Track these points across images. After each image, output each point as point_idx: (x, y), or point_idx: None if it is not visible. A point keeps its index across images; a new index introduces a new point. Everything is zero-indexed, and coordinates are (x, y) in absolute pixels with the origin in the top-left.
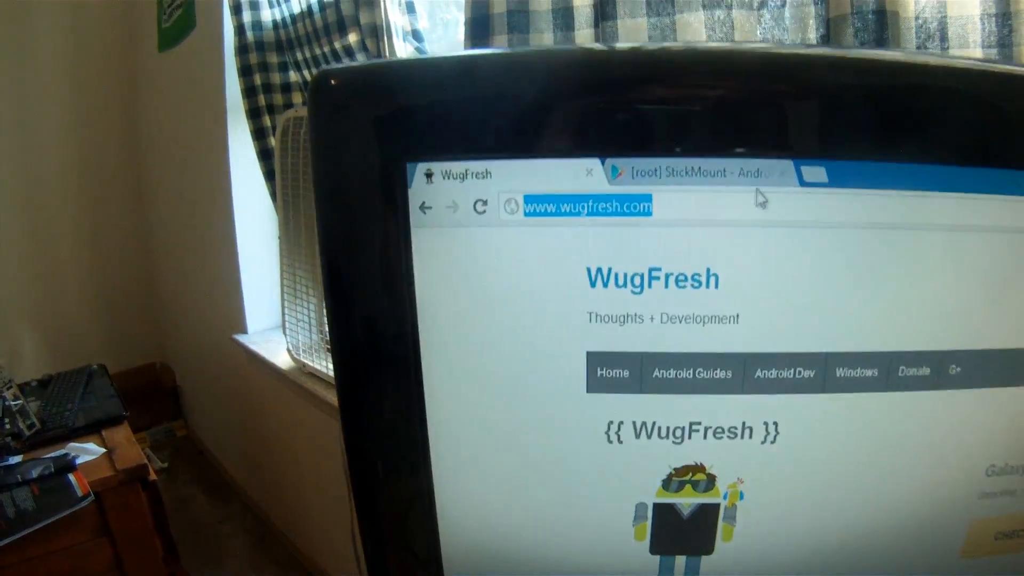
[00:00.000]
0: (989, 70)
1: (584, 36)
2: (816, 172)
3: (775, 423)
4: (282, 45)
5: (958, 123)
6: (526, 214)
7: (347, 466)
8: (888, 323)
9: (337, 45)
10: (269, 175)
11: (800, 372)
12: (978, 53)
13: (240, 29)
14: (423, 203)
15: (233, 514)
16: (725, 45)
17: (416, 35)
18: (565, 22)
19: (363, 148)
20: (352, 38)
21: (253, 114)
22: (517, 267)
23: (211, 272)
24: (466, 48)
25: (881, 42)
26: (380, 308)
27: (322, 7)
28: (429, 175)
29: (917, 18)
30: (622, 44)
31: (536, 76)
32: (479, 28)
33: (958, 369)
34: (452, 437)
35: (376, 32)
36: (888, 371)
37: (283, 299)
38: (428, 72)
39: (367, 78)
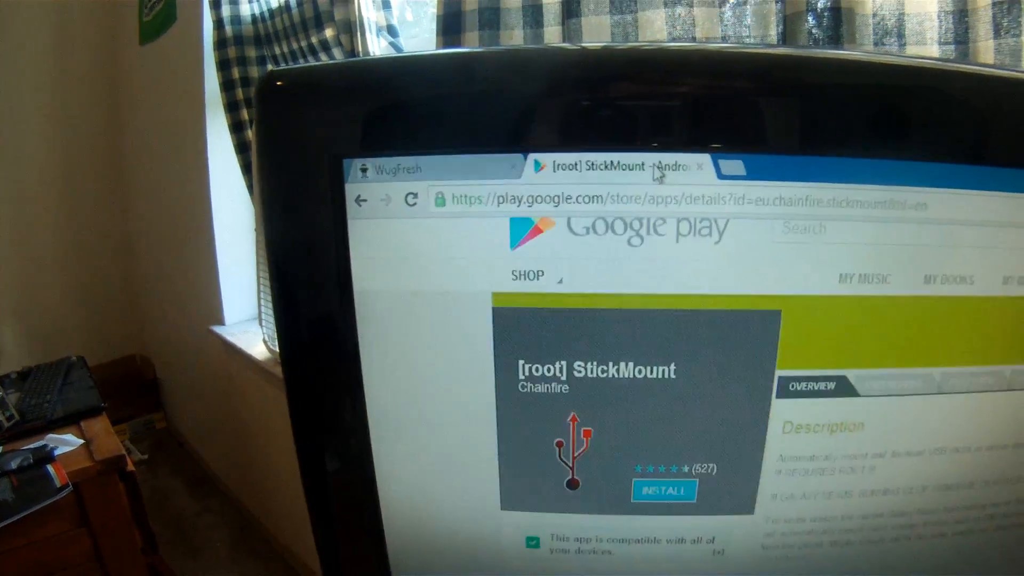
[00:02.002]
0: (891, 64)
1: (552, 33)
2: (734, 165)
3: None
4: (260, 39)
5: (870, 118)
6: (453, 206)
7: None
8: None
9: (314, 40)
10: (247, 168)
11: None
12: (935, 50)
13: (219, 23)
14: (359, 196)
15: (213, 506)
16: (641, 44)
17: (391, 31)
18: (534, 19)
19: (304, 144)
20: (328, 33)
21: (231, 108)
22: (444, 255)
23: (190, 264)
24: (437, 45)
25: (837, 39)
26: (320, 297)
27: (299, 2)
28: (364, 170)
29: (875, 15)
30: (540, 45)
31: (458, 78)
32: (451, 24)
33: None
34: (389, 420)
35: (350, 28)
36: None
37: (259, 290)
38: (363, 75)
39: (309, 79)
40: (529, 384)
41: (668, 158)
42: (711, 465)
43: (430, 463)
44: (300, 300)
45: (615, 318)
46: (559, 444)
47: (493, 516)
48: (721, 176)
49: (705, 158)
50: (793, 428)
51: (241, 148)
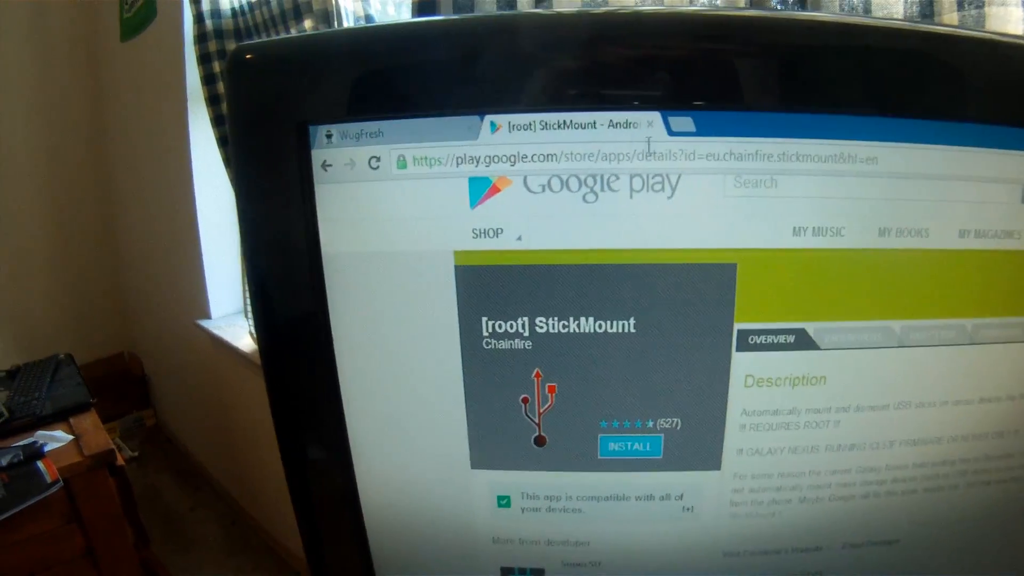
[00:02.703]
0: (836, 22)
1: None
2: (684, 122)
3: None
4: (240, 33)
5: (817, 74)
6: (414, 167)
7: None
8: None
9: (293, 31)
10: (229, 161)
11: None
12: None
13: (199, 17)
14: (324, 161)
15: (204, 501)
16: (589, 9)
17: (369, 21)
18: (509, 7)
19: (272, 113)
20: (307, 24)
21: (212, 101)
22: (407, 215)
23: (175, 259)
24: None
25: None
26: (290, 260)
27: None
28: (329, 136)
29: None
30: (491, 12)
31: (415, 45)
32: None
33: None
34: (360, 383)
35: (328, 18)
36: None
37: (244, 283)
38: (326, 45)
39: (275, 51)
40: (493, 341)
41: (619, 116)
42: (675, 420)
43: (401, 426)
44: (271, 265)
45: (574, 274)
46: (524, 400)
47: (464, 476)
48: (671, 133)
49: (655, 116)
50: (755, 382)
51: (223, 141)
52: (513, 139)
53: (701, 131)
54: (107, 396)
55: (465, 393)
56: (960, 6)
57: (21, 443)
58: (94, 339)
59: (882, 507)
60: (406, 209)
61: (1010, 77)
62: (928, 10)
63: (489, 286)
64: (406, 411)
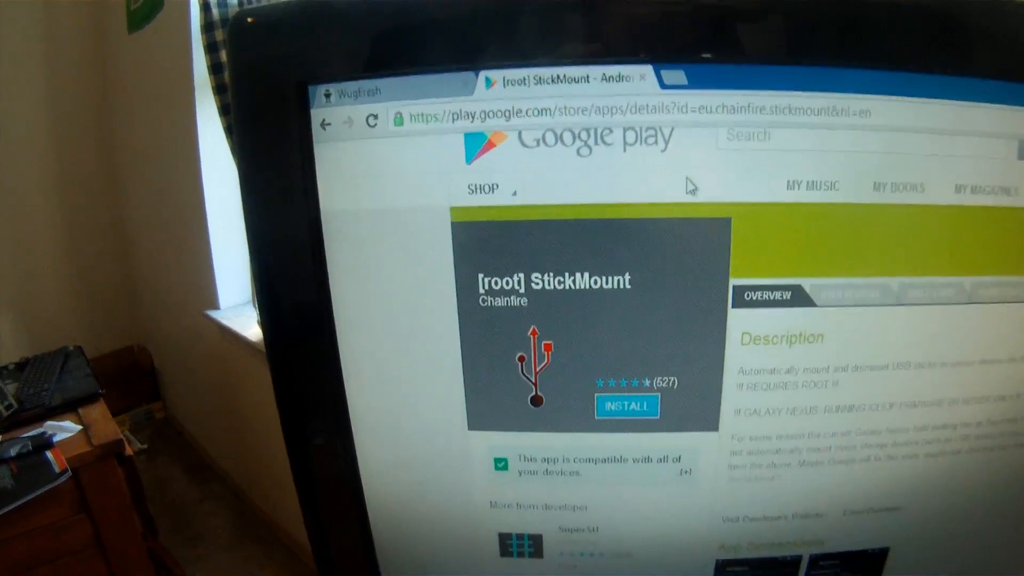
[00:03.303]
0: None
1: None
2: (676, 75)
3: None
4: None
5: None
6: (411, 124)
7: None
8: None
9: None
10: (231, 129)
11: None
12: None
13: (206, 6)
14: (323, 120)
15: (213, 493)
16: None
17: None
18: None
19: (272, 75)
20: None
21: (220, 90)
22: (404, 171)
23: (183, 250)
24: None
25: None
26: (290, 219)
27: None
28: (328, 95)
29: None
30: None
31: (409, 4)
32: None
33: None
34: (359, 344)
35: None
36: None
37: (252, 272)
38: (324, 7)
39: (275, 15)
40: (489, 298)
41: (611, 70)
42: (672, 379)
43: (400, 389)
44: (271, 225)
45: (568, 229)
46: (521, 359)
47: (462, 438)
48: (664, 86)
49: (647, 69)
50: (752, 339)
51: (231, 130)
52: (508, 94)
53: (693, 84)
54: (116, 389)
55: (462, 352)
56: None
57: (30, 434)
58: (103, 333)
59: (883, 472)
60: (403, 165)
61: (1007, 32)
62: None
63: (485, 242)
64: (404, 373)
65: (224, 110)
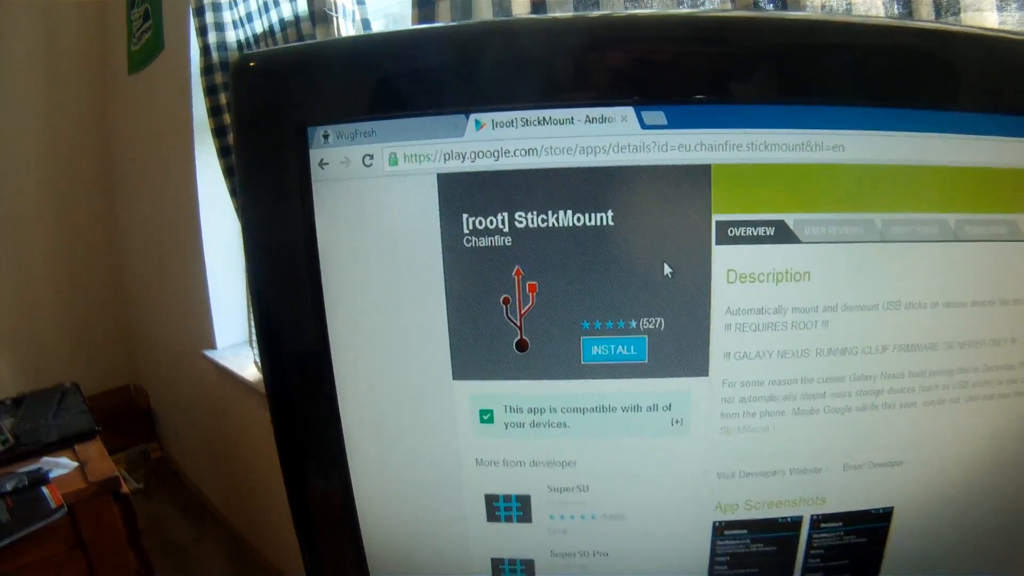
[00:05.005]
0: (798, 19)
1: None
2: (656, 116)
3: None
4: None
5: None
6: (405, 164)
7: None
8: None
9: None
10: (235, 192)
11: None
12: None
13: (205, 50)
14: (321, 160)
15: (208, 532)
16: (563, 14)
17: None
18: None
19: (273, 116)
20: None
21: (219, 132)
22: (400, 210)
23: (181, 290)
24: (412, 15)
25: None
26: (288, 256)
27: (283, 27)
28: (326, 136)
29: (824, 5)
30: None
31: (404, 51)
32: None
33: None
34: (344, 300)
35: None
36: None
37: (250, 313)
38: (323, 52)
39: (276, 58)
40: (473, 238)
41: (595, 111)
42: (659, 320)
43: (385, 343)
44: (271, 262)
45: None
46: (506, 301)
47: (446, 388)
48: (644, 126)
49: (628, 111)
50: (737, 277)
51: (229, 172)
52: (497, 135)
53: (672, 124)
54: (113, 429)
55: (446, 295)
56: (938, 14)
57: (26, 469)
58: (100, 371)
59: (881, 422)
60: (398, 203)
61: (971, 64)
62: (907, 18)
63: (470, 187)
64: (389, 325)
65: (223, 152)
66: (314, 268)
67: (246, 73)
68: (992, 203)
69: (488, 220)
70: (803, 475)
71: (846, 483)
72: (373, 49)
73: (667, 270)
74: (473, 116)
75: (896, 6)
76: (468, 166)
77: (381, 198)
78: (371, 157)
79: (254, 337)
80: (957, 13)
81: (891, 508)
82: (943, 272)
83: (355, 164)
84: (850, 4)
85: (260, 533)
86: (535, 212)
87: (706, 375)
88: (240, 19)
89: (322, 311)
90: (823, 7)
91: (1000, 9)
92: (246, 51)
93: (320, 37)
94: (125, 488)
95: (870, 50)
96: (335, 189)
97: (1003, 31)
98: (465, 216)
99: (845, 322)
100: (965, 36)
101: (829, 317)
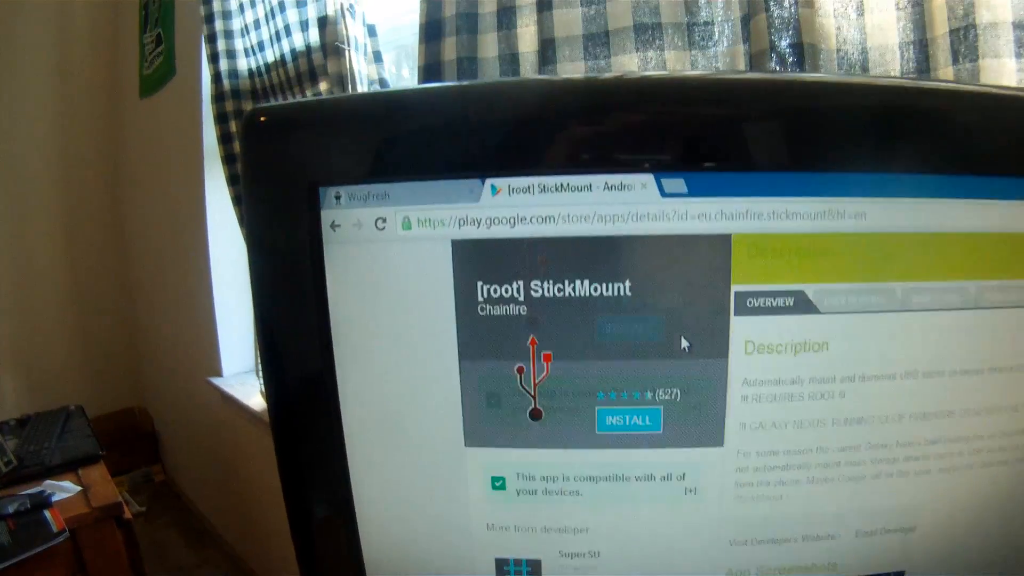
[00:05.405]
0: (816, 82)
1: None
2: (676, 184)
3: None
4: (257, 93)
5: (803, 135)
6: (419, 229)
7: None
8: None
9: (309, 93)
10: (243, 220)
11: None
12: None
13: (216, 77)
14: (333, 221)
15: (210, 558)
16: (579, 77)
17: (383, 83)
18: (512, 71)
19: (284, 174)
20: (323, 86)
21: (228, 160)
22: (413, 276)
23: (188, 316)
24: (420, 53)
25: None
26: (298, 316)
27: (294, 56)
28: (338, 197)
29: (839, 50)
30: (490, 80)
31: (419, 112)
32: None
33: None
34: (356, 359)
35: (343, 81)
36: None
37: (256, 341)
38: (337, 110)
39: (289, 115)
40: (488, 306)
41: (614, 179)
42: (674, 391)
43: (396, 408)
44: (279, 319)
45: (569, 242)
46: (520, 370)
47: (458, 455)
48: (664, 194)
49: (648, 178)
50: (755, 348)
51: (238, 200)
52: (513, 202)
53: (693, 192)
54: (116, 450)
55: (459, 362)
56: (955, 60)
57: (29, 492)
58: (105, 393)
59: (895, 489)
60: (413, 270)
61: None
62: (924, 65)
63: (484, 254)
64: (400, 388)
65: (232, 180)
66: (324, 331)
67: (256, 128)
68: (1015, 269)
69: (503, 288)
70: (816, 542)
71: (858, 549)
72: (387, 110)
73: (684, 344)
74: (489, 181)
75: (912, 51)
76: (483, 232)
77: (394, 263)
78: (384, 220)
79: (259, 367)
80: (975, 60)
81: (902, 572)
82: (962, 339)
83: (367, 227)
84: (865, 52)
85: (262, 559)
86: (551, 281)
87: (721, 445)
88: (252, 47)
89: (333, 375)
90: (838, 51)
91: (1019, 56)
92: (256, 79)
93: (332, 69)
94: (128, 513)
95: (892, 112)
96: (347, 252)
97: None
98: (480, 284)
99: (862, 392)
100: (986, 96)
101: (846, 388)
